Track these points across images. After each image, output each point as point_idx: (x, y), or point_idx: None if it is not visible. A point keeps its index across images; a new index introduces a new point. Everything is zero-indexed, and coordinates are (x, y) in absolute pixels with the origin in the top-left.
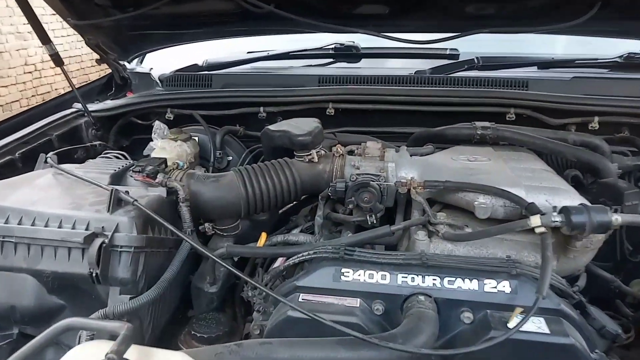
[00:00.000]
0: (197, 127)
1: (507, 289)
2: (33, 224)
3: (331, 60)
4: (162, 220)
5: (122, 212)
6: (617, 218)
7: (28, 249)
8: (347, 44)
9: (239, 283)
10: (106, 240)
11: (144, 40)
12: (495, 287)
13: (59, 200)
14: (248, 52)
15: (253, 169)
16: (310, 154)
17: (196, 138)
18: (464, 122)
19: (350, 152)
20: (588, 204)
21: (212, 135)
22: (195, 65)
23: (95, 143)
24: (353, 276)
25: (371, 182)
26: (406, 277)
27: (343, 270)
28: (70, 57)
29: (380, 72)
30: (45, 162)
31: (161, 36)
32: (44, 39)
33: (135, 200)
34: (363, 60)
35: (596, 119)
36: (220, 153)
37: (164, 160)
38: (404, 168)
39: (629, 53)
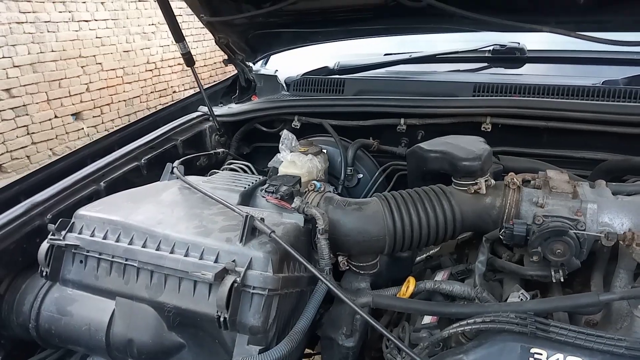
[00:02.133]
0: (326, 138)
1: None
2: (158, 249)
3: (485, 64)
4: (303, 259)
5: (256, 245)
6: None
7: (151, 277)
8: (509, 46)
9: (374, 333)
10: (238, 279)
11: (274, 40)
12: None
13: (186, 221)
14: (385, 54)
15: (402, 197)
16: (476, 183)
17: (325, 151)
18: None
19: (524, 183)
20: None
21: (343, 149)
22: (326, 67)
23: (218, 150)
24: None
25: (570, 230)
26: None
27: (533, 350)
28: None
29: (551, 80)
30: (172, 172)
31: (292, 35)
32: (178, 36)
33: (273, 231)
34: (527, 65)
35: None
36: (351, 170)
37: (299, 180)
38: (609, 212)
39: None
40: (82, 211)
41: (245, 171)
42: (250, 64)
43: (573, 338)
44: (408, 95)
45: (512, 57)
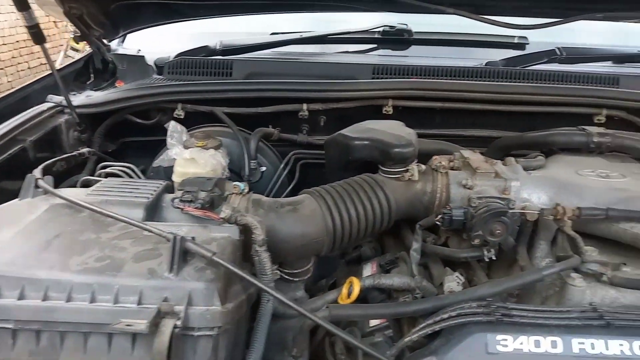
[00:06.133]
0: (219, 129)
1: None
2: (46, 298)
3: (374, 46)
4: (265, 285)
5: (192, 273)
6: None
7: (37, 339)
8: (398, 27)
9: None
10: (178, 323)
11: (142, 13)
12: None
13: (78, 253)
14: (272, 34)
15: (337, 191)
16: (408, 170)
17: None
18: (547, 125)
19: None
20: None
21: (244, 140)
22: (206, 47)
23: (83, 150)
24: (513, 345)
25: (508, 210)
26: (584, 343)
27: (499, 337)
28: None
29: (439, 62)
30: (36, 186)
31: (161, 8)
32: (22, 4)
33: (214, 253)
34: (412, 47)
35: None
36: (255, 163)
37: (216, 182)
38: (527, 188)
39: None
40: None
41: (129, 175)
42: (107, 43)
43: (532, 318)
44: (306, 78)
45: (401, 38)
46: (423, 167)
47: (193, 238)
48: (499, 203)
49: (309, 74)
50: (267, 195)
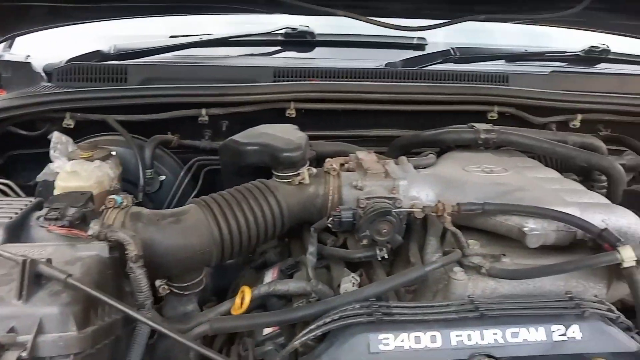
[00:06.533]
0: (113, 138)
1: (579, 335)
2: None
3: (278, 48)
4: (122, 305)
5: (46, 298)
6: None
7: None
8: (300, 29)
9: None
10: (24, 354)
11: (23, 16)
12: (565, 334)
13: None
14: (171, 37)
15: (225, 199)
16: (299, 174)
17: (114, 153)
18: (445, 123)
19: (340, 167)
20: None
21: (138, 148)
22: (99, 52)
23: None
24: (395, 342)
25: (392, 210)
26: (461, 335)
27: (380, 336)
28: None
29: (341, 63)
30: None
31: (47, 11)
32: None
33: (69, 275)
34: (316, 49)
35: (579, 116)
36: (151, 172)
37: (90, 196)
38: (416, 186)
39: (591, 47)
40: None
41: (4, 192)
42: None
43: (413, 314)
44: (205, 83)
45: (304, 40)
46: (314, 170)
47: (49, 260)
48: (384, 203)
49: (209, 78)
50: (169, 205)
